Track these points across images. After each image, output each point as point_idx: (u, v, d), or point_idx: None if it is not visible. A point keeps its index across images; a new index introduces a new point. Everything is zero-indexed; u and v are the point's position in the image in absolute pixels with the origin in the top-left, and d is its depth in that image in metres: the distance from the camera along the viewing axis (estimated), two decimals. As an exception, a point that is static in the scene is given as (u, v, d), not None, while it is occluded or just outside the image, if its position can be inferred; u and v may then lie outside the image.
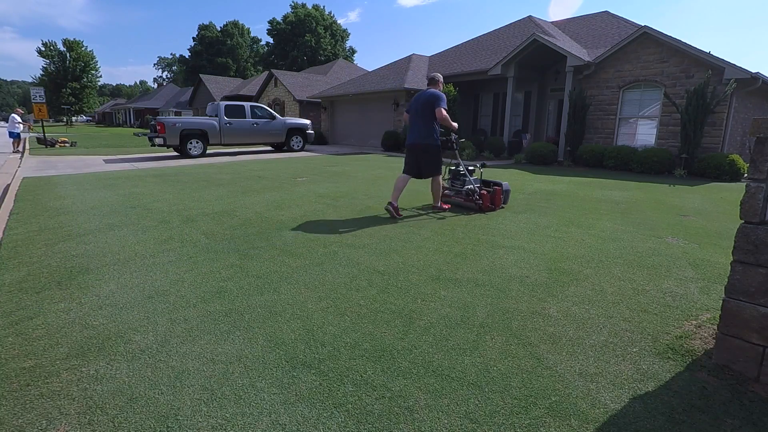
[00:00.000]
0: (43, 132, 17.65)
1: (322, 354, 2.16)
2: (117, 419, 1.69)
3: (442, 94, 5.03)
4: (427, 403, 1.80)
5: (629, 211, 5.64)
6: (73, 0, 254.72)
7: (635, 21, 14.09)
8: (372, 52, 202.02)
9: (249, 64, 65.41)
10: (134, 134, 26.68)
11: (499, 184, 5.68)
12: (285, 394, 1.85)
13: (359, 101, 18.80)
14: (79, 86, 47.92)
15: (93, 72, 50.09)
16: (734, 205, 5.85)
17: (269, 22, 60.36)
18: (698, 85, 9.67)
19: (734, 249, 1.95)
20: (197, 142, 12.57)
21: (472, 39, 18.70)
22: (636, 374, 2.00)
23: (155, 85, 76.06)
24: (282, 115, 20.18)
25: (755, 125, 1.83)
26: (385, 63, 24.17)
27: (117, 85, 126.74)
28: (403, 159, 5.48)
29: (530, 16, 17.10)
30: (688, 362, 2.09)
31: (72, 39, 48.68)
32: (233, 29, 64.18)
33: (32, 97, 16.46)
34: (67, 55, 47.80)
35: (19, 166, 10.17)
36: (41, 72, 48.60)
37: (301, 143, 15.24)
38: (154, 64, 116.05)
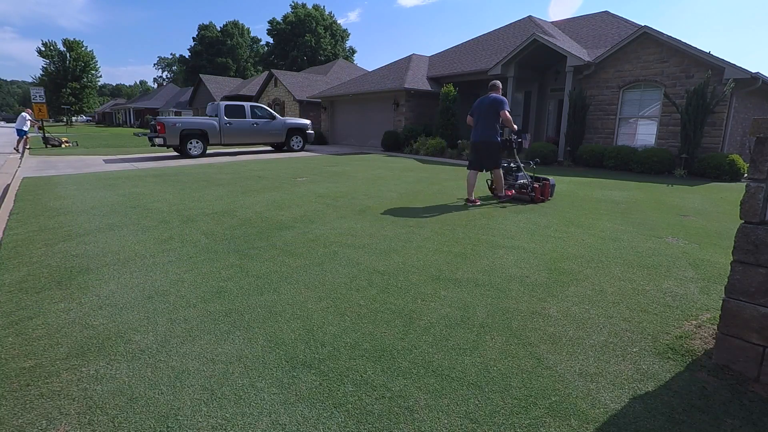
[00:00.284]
0: (43, 132, 17.64)
1: (322, 354, 2.16)
2: (117, 419, 1.69)
3: (505, 98, 5.79)
4: (427, 403, 1.80)
5: (629, 211, 5.64)
6: (73, 0, 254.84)
7: (635, 21, 14.10)
8: (372, 52, 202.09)
9: (249, 64, 65.42)
10: (134, 134, 26.70)
11: (547, 179, 6.34)
12: (285, 394, 1.85)
13: (359, 101, 18.80)
14: (79, 86, 47.93)
15: (93, 72, 50.09)
16: (734, 205, 5.85)
17: (269, 22, 60.39)
18: (698, 85, 9.67)
19: (734, 249, 1.95)
20: (197, 142, 12.57)
21: (472, 39, 18.69)
22: (636, 374, 2.00)
23: (155, 85, 76.08)
24: (282, 115, 20.19)
25: (755, 125, 1.83)
26: (385, 63, 24.18)
27: (117, 85, 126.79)
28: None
29: (530, 16, 17.10)
30: (688, 362, 2.09)
31: (72, 39, 48.70)
32: (233, 29, 64.19)
33: (32, 97, 16.46)
34: (67, 55, 47.81)
35: (19, 166, 10.17)
36: (41, 72, 48.62)
37: (301, 143, 15.24)
38: (154, 64, 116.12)
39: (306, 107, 22.85)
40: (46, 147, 16.55)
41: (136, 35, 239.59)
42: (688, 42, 10.16)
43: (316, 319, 2.53)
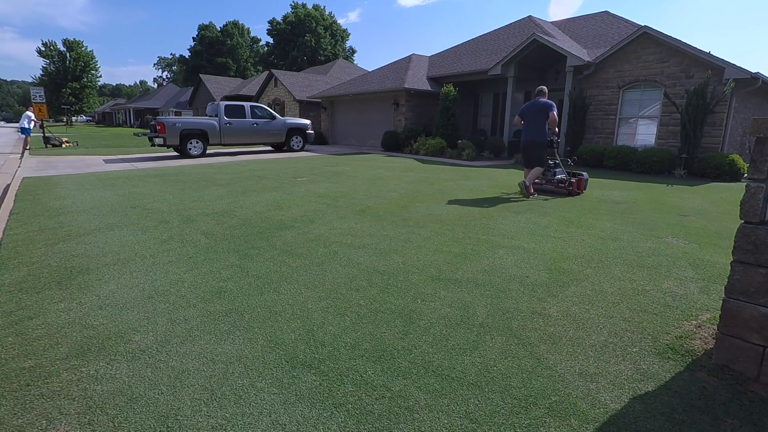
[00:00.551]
0: (43, 132, 17.65)
1: (322, 354, 2.16)
2: (117, 419, 1.69)
3: (553, 102, 6.45)
4: (427, 403, 1.80)
5: (629, 211, 5.64)
6: (73, 0, 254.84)
7: (635, 21, 14.10)
8: (372, 52, 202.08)
9: (249, 64, 65.41)
10: (134, 134, 26.69)
11: (582, 174, 7.00)
12: (285, 394, 1.85)
13: (359, 101, 18.80)
14: (79, 86, 47.92)
15: (93, 72, 50.08)
16: (734, 205, 5.85)
17: (269, 22, 60.39)
18: (698, 85, 9.67)
19: (734, 249, 1.95)
20: (197, 142, 12.57)
21: (472, 39, 18.69)
22: (636, 374, 2.00)
23: (155, 85, 76.05)
24: (282, 115, 20.18)
25: (755, 125, 1.83)
26: (385, 63, 24.19)
27: (117, 85, 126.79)
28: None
29: (530, 16, 17.10)
30: (688, 362, 2.09)
31: (72, 39, 48.68)
32: (233, 29, 64.17)
33: (32, 97, 16.45)
34: (67, 55, 47.80)
35: (19, 166, 10.17)
36: (41, 72, 48.60)
37: (301, 143, 15.24)
38: (154, 64, 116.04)
39: (306, 107, 22.85)
40: (46, 147, 16.57)
41: (136, 35, 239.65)
42: (688, 42, 10.17)
43: (316, 319, 2.53)
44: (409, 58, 18.57)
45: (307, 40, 57.25)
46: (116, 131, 36.87)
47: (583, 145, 11.92)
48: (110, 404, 1.78)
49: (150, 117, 23.96)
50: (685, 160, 9.97)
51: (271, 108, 21.76)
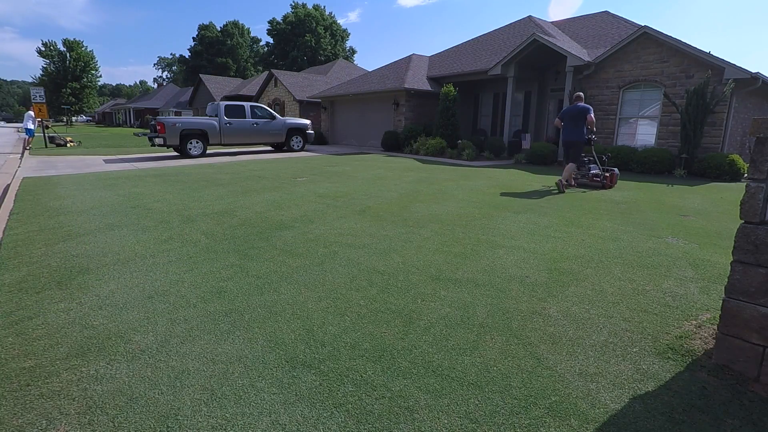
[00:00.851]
0: (43, 132, 17.67)
1: (322, 354, 2.16)
2: (117, 419, 1.69)
3: (590, 106, 7.51)
4: (427, 403, 1.80)
5: (629, 211, 5.64)
6: (73, 0, 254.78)
7: (635, 21, 14.10)
8: (372, 52, 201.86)
9: (249, 64, 65.41)
10: (134, 134, 26.70)
11: (614, 169, 7.87)
12: (285, 394, 1.85)
13: (359, 101, 18.80)
14: (79, 86, 47.90)
15: (93, 72, 50.06)
16: (734, 205, 5.85)
17: (269, 22, 60.38)
18: (698, 85, 9.67)
19: (734, 249, 1.95)
20: (197, 142, 12.57)
21: (472, 39, 18.69)
22: (636, 374, 2.00)
23: (155, 85, 76.02)
24: (282, 115, 20.18)
25: (755, 125, 1.83)
26: (385, 63, 24.18)
27: (117, 85, 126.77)
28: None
29: (530, 16, 17.10)
30: (688, 362, 2.09)
31: (72, 39, 48.67)
32: (233, 29, 64.16)
33: (32, 97, 16.44)
34: (67, 55, 47.78)
35: (19, 166, 10.17)
36: (41, 72, 48.58)
37: (301, 143, 15.24)
38: (154, 64, 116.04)
39: (306, 107, 22.85)
40: (47, 146, 16.58)
41: (136, 35, 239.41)
42: (688, 42, 10.17)
43: (316, 319, 2.53)
44: (409, 58, 18.57)
45: (307, 40, 57.24)
46: (116, 131, 36.88)
47: (583, 145, 11.90)
48: (110, 404, 1.78)
49: (150, 117, 23.99)
50: (685, 160, 9.97)
51: (271, 108, 21.76)
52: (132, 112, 53.84)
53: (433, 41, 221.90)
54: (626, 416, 1.72)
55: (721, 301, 2.04)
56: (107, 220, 4.82)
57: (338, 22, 62.98)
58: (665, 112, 10.87)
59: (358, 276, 3.20)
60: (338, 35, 62.64)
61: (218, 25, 64.51)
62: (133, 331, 2.38)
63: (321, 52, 58.20)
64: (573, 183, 7.81)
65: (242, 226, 4.64)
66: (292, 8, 60.01)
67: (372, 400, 1.81)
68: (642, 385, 1.92)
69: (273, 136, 14.39)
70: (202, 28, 63.17)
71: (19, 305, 2.68)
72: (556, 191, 7.20)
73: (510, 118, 13.80)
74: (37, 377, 1.95)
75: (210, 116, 13.24)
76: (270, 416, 1.71)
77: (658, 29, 10.67)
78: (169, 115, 41.97)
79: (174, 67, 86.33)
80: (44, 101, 16.60)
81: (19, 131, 33.82)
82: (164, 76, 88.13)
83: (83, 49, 48.80)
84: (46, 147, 16.47)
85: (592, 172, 7.90)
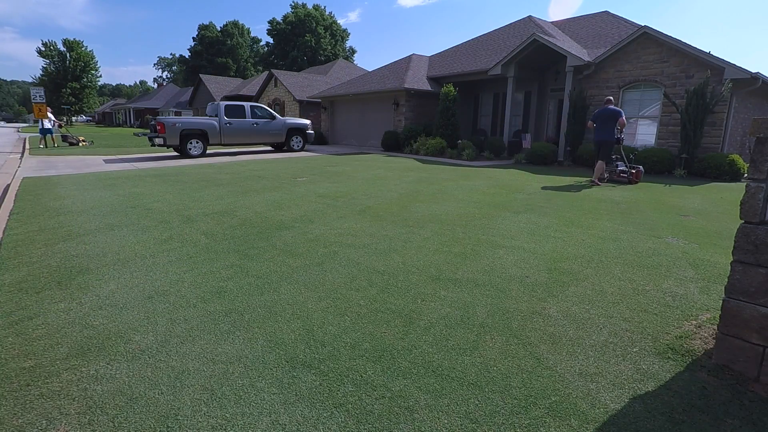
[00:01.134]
0: (41, 137, 17.81)
1: (322, 354, 2.16)
2: (117, 419, 1.69)
3: (621, 110, 8.56)
4: (427, 403, 1.80)
5: (629, 211, 5.64)
6: (73, 0, 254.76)
7: (635, 21, 14.10)
8: (372, 52, 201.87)
9: (249, 64, 65.40)
10: (134, 134, 26.71)
11: (639, 167, 8.57)
12: (285, 394, 1.85)
13: (359, 101, 18.79)
14: (79, 86, 47.91)
15: (93, 72, 50.06)
16: (734, 205, 5.85)
17: (269, 22, 60.36)
18: (698, 85, 9.67)
19: (734, 249, 1.95)
20: (197, 142, 12.57)
21: (472, 39, 18.69)
22: (636, 374, 2.00)
23: (155, 85, 76.00)
24: (282, 115, 20.18)
25: (755, 125, 1.83)
26: (385, 63, 24.18)
27: (117, 85, 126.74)
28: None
29: (530, 16, 17.09)
30: (688, 362, 2.09)
31: (72, 39, 48.66)
32: (233, 29, 64.16)
33: (32, 97, 16.45)
34: (67, 55, 47.78)
35: (19, 166, 10.17)
36: (41, 72, 48.58)
37: (301, 143, 15.24)
38: (154, 64, 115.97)
39: (306, 107, 22.84)
40: (45, 147, 16.57)
41: (136, 35, 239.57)
42: (688, 42, 10.17)
43: (316, 319, 2.53)
44: (409, 58, 18.57)
45: (307, 40, 57.24)
46: (116, 131, 36.86)
47: (583, 145, 11.90)
48: (110, 404, 1.78)
49: (150, 117, 24.10)
50: (685, 160, 9.97)
51: (271, 108, 21.76)
52: (132, 112, 53.83)
53: (433, 41, 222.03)
54: (626, 416, 1.72)
55: (721, 301, 2.04)
56: (107, 220, 4.82)
57: (338, 22, 62.98)
58: (665, 112, 10.87)
59: (358, 276, 3.20)
60: (338, 35, 62.62)
61: (218, 25, 64.54)
62: (133, 331, 2.38)
63: (321, 52, 58.19)
64: (605, 178, 8.61)
65: (242, 226, 4.64)
66: (292, 8, 60.00)
67: (372, 400, 1.81)
68: (642, 385, 1.92)
69: (273, 136, 14.39)
70: (202, 28, 63.17)
71: (19, 305, 2.68)
72: (587, 186, 7.98)
73: (510, 118, 13.79)
74: (37, 377, 1.95)
75: (210, 116, 13.24)
76: (270, 416, 1.71)
77: (658, 29, 10.68)
78: (169, 115, 41.97)
79: (174, 67, 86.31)
80: (44, 101, 16.61)
81: (19, 131, 33.83)
82: (164, 76, 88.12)
83: (83, 49, 48.79)
84: (45, 147, 16.47)
85: (619, 168, 8.61)
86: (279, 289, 2.95)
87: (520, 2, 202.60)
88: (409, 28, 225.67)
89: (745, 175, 6.71)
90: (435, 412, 1.74)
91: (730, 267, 1.97)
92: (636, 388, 1.90)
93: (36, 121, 17.26)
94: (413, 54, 19.04)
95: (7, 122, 77.17)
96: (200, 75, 39.94)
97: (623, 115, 8.16)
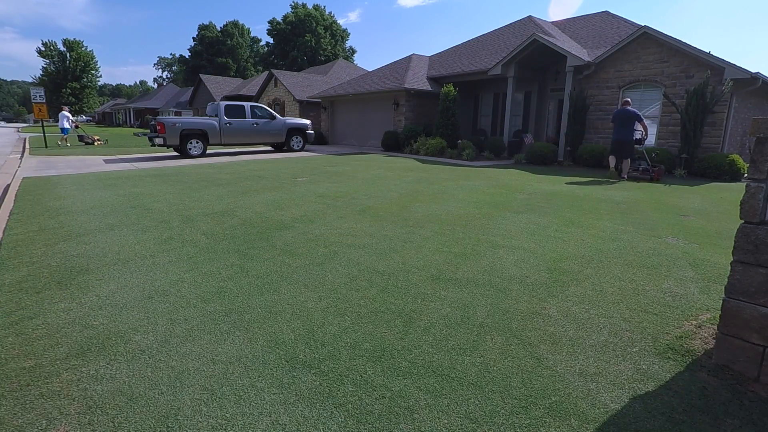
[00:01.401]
0: (62, 136, 18.22)
1: (322, 354, 2.16)
2: (117, 419, 1.69)
3: (634, 110, 8.91)
4: (427, 403, 1.80)
5: (629, 211, 5.64)
6: (74, 0, 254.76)
7: (635, 21, 14.10)
8: (372, 52, 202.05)
9: (249, 64, 65.40)
10: (134, 134, 26.74)
11: (660, 166, 9.11)
12: (285, 394, 1.85)
13: (359, 101, 18.79)
14: (79, 86, 47.96)
15: (93, 72, 50.12)
16: (734, 205, 5.85)
17: (269, 22, 60.36)
18: (698, 85, 9.67)
19: (734, 249, 1.95)
20: (197, 142, 12.57)
21: (472, 39, 18.68)
22: (636, 374, 2.00)
23: (155, 85, 75.98)
24: (282, 115, 20.18)
25: (755, 125, 1.83)
26: (385, 63, 24.18)
27: (117, 85, 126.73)
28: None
29: (530, 16, 17.09)
30: (688, 362, 2.09)
31: (72, 39, 48.72)
32: (233, 29, 64.16)
33: (32, 97, 16.46)
34: (67, 55, 47.84)
35: (19, 166, 10.17)
36: (41, 72, 48.64)
37: (301, 143, 15.24)
38: (154, 64, 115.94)
39: (306, 107, 22.84)
40: (55, 146, 17.08)
41: (136, 35, 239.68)
42: (688, 42, 10.17)
43: (316, 319, 2.53)
44: (409, 58, 18.56)
45: (307, 40, 57.24)
46: (116, 131, 36.85)
47: (583, 145, 11.91)
48: (110, 404, 1.78)
49: (150, 117, 24.30)
50: (685, 160, 9.97)
51: (271, 108, 21.76)
52: (132, 112, 53.80)
53: (433, 41, 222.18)
54: (626, 416, 1.72)
55: (721, 301, 2.04)
56: (107, 220, 4.82)
57: (338, 22, 62.98)
58: (665, 112, 10.87)
59: (358, 276, 3.20)
60: (338, 35, 62.63)
61: (218, 25, 64.54)
62: (133, 331, 2.38)
63: (321, 52, 58.19)
64: (624, 175, 9.10)
65: (242, 226, 4.64)
66: (292, 8, 60.00)
67: (372, 400, 1.81)
68: (642, 385, 1.92)
69: (273, 136, 14.39)
70: (202, 28, 63.16)
71: (19, 305, 2.68)
72: (614, 181, 8.67)
73: (510, 118, 13.80)
74: (37, 377, 1.95)
75: (210, 116, 13.24)
76: (270, 416, 1.71)
77: (658, 29, 10.68)
78: (169, 115, 41.96)
79: (174, 67, 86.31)
80: (44, 101, 16.63)
81: (19, 131, 33.87)
82: (164, 76, 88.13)
83: (83, 49, 48.85)
84: (68, 146, 17.09)
85: (642, 167, 9.12)
86: (279, 289, 2.95)
87: (520, 2, 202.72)
88: (409, 28, 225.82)
89: (745, 175, 6.71)
90: (435, 412, 1.74)
91: (730, 267, 1.97)
92: (636, 388, 1.90)
93: (36, 121, 17.42)
94: (413, 54, 19.04)
95: (7, 122, 77.17)
96: (200, 75, 39.94)
97: (642, 117, 8.90)
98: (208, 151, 13.57)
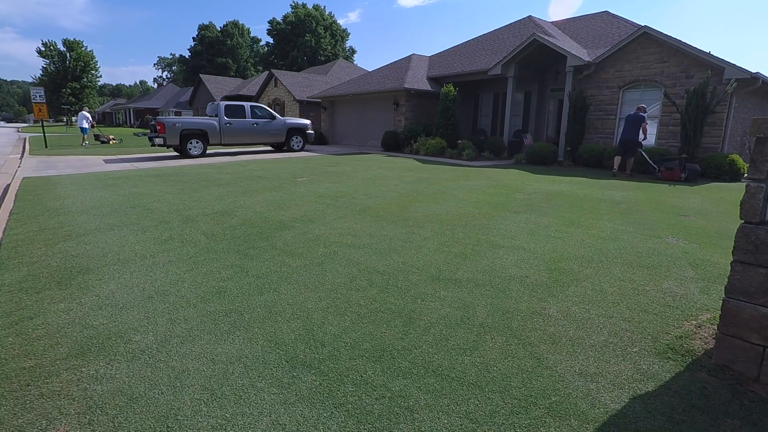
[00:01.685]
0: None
1: (322, 354, 2.16)
2: (117, 419, 1.69)
3: (644, 115, 9.67)
4: (427, 403, 1.80)
5: (629, 211, 5.64)
6: (74, 0, 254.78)
7: (635, 21, 14.10)
8: (372, 52, 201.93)
9: (249, 64, 65.39)
10: (134, 134, 26.76)
11: (695, 165, 9.34)
12: (285, 394, 1.85)
13: (359, 101, 18.79)
14: (79, 86, 47.96)
15: (93, 72, 50.12)
16: (734, 205, 5.85)
17: (269, 22, 60.34)
18: (698, 85, 9.67)
19: (734, 249, 1.95)
20: (197, 142, 12.57)
21: (472, 39, 18.68)
22: (636, 374, 2.00)
23: (155, 85, 75.96)
24: (282, 115, 20.18)
25: (755, 125, 1.83)
26: (385, 63, 24.18)
27: (117, 85, 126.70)
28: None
29: (530, 16, 17.09)
30: (688, 362, 2.09)
31: (72, 39, 48.72)
32: (233, 29, 64.14)
33: (32, 97, 16.46)
34: (67, 55, 47.84)
35: (19, 166, 10.17)
36: (41, 72, 48.63)
37: (301, 143, 15.24)
38: (154, 64, 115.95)
39: (306, 107, 22.84)
40: (88, 144, 18.27)
41: (136, 35, 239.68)
42: (688, 42, 10.17)
43: (316, 319, 2.53)
44: (409, 58, 18.56)
45: (307, 40, 57.22)
46: (116, 131, 36.85)
47: (583, 145, 11.91)
48: (110, 404, 1.78)
49: (150, 117, 24.55)
50: (685, 159, 9.96)
51: (271, 108, 21.76)
52: (132, 112, 53.79)
53: (433, 41, 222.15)
54: (626, 416, 1.72)
55: (721, 301, 2.04)
56: (107, 220, 4.82)
57: (338, 22, 62.95)
58: (665, 112, 10.87)
59: (358, 276, 3.20)
60: (338, 35, 62.61)
61: (218, 25, 64.50)
62: (133, 331, 2.38)
63: (321, 52, 58.17)
64: (627, 171, 9.95)
65: (242, 226, 4.64)
66: (292, 8, 59.98)
67: (372, 400, 1.81)
68: (642, 385, 1.92)
69: (273, 136, 14.39)
70: (202, 28, 63.13)
71: (19, 305, 2.68)
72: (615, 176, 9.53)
73: (510, 118, 13.80)
74: (37, 377, 1.95)
75: (210, 116, 13.24)
76: (270, 416, 1.71)
77: (658, 29, 10.68)
78: (169, 115, 41.96)
79: (174, 67, 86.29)
80: (44, 101, 16.63)
81: (19, 131, 33.86)
82: (164, 76, 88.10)
83: (83, 49, 48.85)
84: (87, 145, 17.92)
85: (665, 167, 9.52)
86: (279, 289, 2.95)
87: (520, 2, 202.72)
88: (409, 28, 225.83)
89: (745, 175, 6.71)
90: (435, 412, 1.74)
91: (730, 267, 1.97)
92: (636, 388, 1.90)
93: (36, 121, 17.55)
94: (413, 54, 19.04)
95: (7, 122, 77.17)
96: (200, 75, 39.93)
97: (645, 120, 9.62)
98: (208, 151, 13.57)
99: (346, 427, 1.66)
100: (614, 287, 3.03)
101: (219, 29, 63.95)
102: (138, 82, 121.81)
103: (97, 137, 20.16)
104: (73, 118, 52.69)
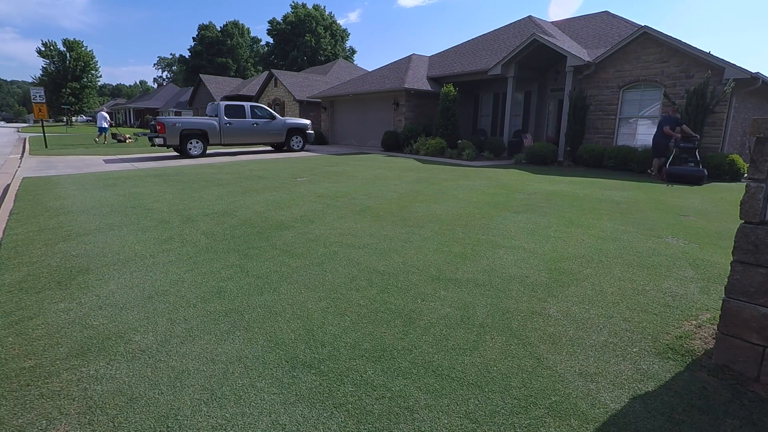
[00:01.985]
0: (98, 133, 19.80)
1: (322, 354, 2.16)
2: (117, 419, 1.69)
3: (667, 116, 9.62)
4: (427, 403, 1.80)
5: (629, 211, 5.64)
6: (74, 1, 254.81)
7: (635, 21, 14.09)
8: (372, 52, 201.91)
9: (249, 64, 65.38)
10: (134, 134, 26.77)
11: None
12: (285, 394, 1.85)
13: (359, 101, 18.79)
14: (79, 86, 47.90)
15: (93, 72, 50.06)
16: (734, 205, 5.85)
17: (269, 22, 60.33)
18: (698, 85, 9.67)
19: (734, 249, 1.95)
20: (197, 142, 12.57)
21: (472, 39, 18.68)
22: (636, 374, 2.00)
23: (155, 85, 75.96)
24: (282, 115, 20.18)
25: (755, 125, 1.83)
26: (385, 63, 24.17)
27: (117, 85, 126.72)
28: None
29: (530, 16, 17.09)
30: (688, 362, 2.09)
31: (72, 39, 48.67)
32: (233, 29, 64.13)
33: (32, 97, 16.46)
34: (67, 55, 47.78)
35: (19, 166, 10.17)
36: (41, 72, 48.59)
37: (301, 143, 15.24)
38: (154, 64, 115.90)
39: (306, 107, 22.84)
40: (105, 142, 19.45)
41: (136, 35, 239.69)
42: (688, 42, 10.17)
43: (316, 319, 2.53)
44: (409, 58, 18.56)
45: (307, 40, 57.22)
46: (127, 131, 36.84)
47: (583, 145, 11.91)
48: (110, 404, 1.78)
49: (150, 117, 24.77)
50: (685, 160, 9.96)
51: (271, 108, 21.76)
52: (132, 112, 53.82)
53: (433, 41, 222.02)
54: (626, 416, 1.72)
55: (721, 301, 2.04)
56: (107, 220, 4.82)
57: (338, 22, 62.94)
58: (665, 112, 10.86)
59: (358, 276, 3.20)
60: (338, 35, 62.59)
61: (218, 25, 64.49)
62: (133, 331, 2.38)
63: (321, 52, 58.16)
64: (653, 171, 9.82)
65: (242, 226, 4.64)
66: (292, 8, 59.97)
67: (372, 400, 1.81)
68: (642, 385, 1.92)
69: (273, 136, 14.39)
70: (202, 28, 63.12)
71: (19, 305, 2.68)
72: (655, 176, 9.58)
73: (510, 118, 13.80)
74: (37, 377, 1.95)
75: (210, 116, 13.24)
76: (270, 416, 1.71)
77: (658, 29, 10.68)
78: (169, 115, 41.97)
79: (174, 67, 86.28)
80: (44, 101, 16.62)
81: (19, 131, 33.86)
82: (164, 76, 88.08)
83: (83, 49, 48.78)
84: (105, 143, 19.10)
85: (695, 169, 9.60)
86: (279, 289, 2.95)
87: (520, 2, 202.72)
88: (409, 28, 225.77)
89: (745, 175, 6.70)
90: (435, 412, 1.74)
91: (730, 267, 1.97)
92: (636, 388, 1.90)
93: (36, 121, 17.72)
94: (413, 54, 19.04)
95: (7, 122, 77.19)
96: (200, 75, 39.92)
97: (667, 123, 9.48)
98: (208, 151, 13.57)
99: (346, 427, 1.66)
100: (614, 287, 3.03)
101: (219, 29, 63.94)
102: (138, 82, 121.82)
103: (114, 136, 21.47)
104: (75, 118, 52.74)
